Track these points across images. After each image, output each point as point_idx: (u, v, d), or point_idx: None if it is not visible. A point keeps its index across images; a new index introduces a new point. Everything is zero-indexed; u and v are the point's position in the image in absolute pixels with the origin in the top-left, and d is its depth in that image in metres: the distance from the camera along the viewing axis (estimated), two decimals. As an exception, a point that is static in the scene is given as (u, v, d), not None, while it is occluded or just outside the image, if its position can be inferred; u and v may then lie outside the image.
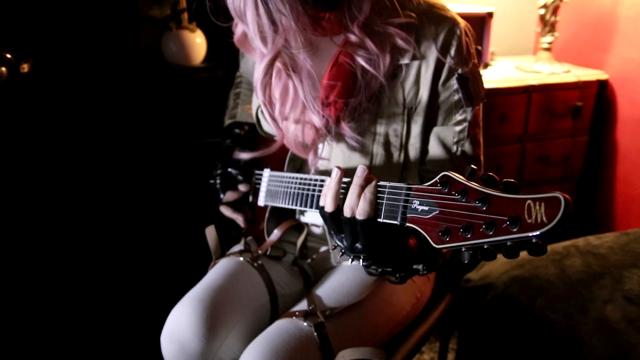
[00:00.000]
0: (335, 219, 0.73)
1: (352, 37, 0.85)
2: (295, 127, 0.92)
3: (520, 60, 2.09)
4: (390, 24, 0.85)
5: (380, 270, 0.77)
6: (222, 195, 1.13)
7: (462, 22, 0.89)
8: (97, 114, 1.47)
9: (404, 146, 0.91)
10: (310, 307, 0.93)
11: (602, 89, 1.90)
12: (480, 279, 1.35)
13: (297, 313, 0.92)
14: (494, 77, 1.81)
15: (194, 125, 1.56)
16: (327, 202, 0.72)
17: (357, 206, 0.69)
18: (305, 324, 0.89)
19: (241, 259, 1.05)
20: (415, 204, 0.63)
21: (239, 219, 1.11)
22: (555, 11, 1.88)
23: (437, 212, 0.60)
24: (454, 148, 0.90)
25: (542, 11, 1.89)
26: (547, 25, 1.91)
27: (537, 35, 2.10)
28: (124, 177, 1.55)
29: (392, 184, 0.68)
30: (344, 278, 1.01)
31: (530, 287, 1.24)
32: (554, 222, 0.48)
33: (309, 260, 1.12)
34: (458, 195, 0.58)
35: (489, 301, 1.27)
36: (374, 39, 0.85)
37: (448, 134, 0.90)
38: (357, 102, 0.89)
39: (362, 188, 0.69)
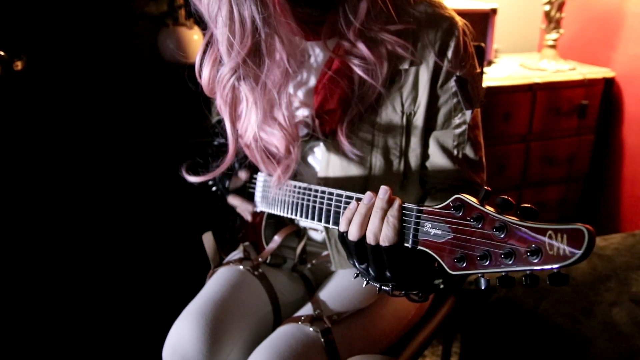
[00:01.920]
0: (359, 248, 0.69)
1: (348, 44, 0.82)
2: (259, 141, 0.87)
3: (524, 57, 2.07)
4: (387, 31, 0.82)
5: (404, 292, 0.74)
6: (227, 183, 1.09)
7: (461, 21, 0.86)
8: (92, 112, 1.46)
9: (404, 153, 0.88)
10: (316, 312, 0.91)
11: (609, 86, 1.89)
12: (484, 281, 1.33)
13: (302, 318, 0.89)
14: (497, 74, 1.79)
15: (191, 124, 1.54)
16: (353, 229, 0.68)
17: (380, 232, 0.65)
18: (311, 329, 0.86)
19: (241, 267, 1.01)
20: (427, 226, 0.61)
21: (249, 208, 1.07)
22: (560, 7, 1.86)
23: (451, 237, 0.58)
24: (455, 152, 0.88)
25: (547, 7, 1.88)
26: (552, 21, 1.89)
27: (542, 32, 2.08)
28: (119, 177, 1.54)
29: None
30: (347, 282, 0.99)
31: (535, 290, 1.22)
32: (576, 256, 0.46)
33: (309, 266, 1.09)
34: (473, 221, 0.55)
35: (493, 304, 1.25)
36: (370, 47, 0.82)
37: (448, 137, 0.88)
38: (354, 112, 0.86)
39: (385, 211, 0.66)
